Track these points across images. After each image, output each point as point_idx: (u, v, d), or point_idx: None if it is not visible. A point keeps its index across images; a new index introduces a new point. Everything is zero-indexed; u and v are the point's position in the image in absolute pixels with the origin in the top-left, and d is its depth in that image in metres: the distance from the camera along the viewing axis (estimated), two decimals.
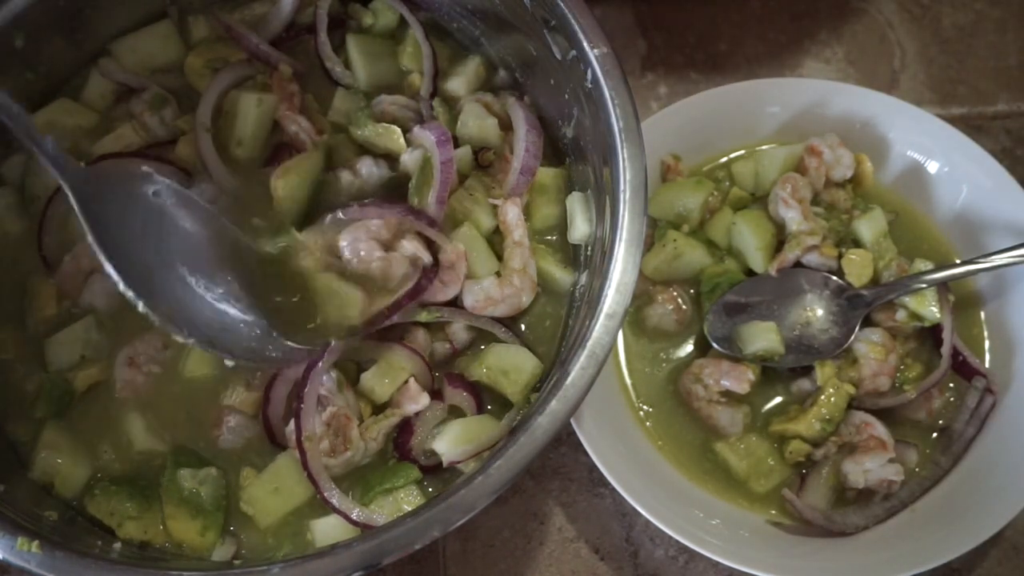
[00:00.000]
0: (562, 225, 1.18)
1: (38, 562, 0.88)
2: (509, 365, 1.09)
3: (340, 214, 1.09)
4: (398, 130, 1.17)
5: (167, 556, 1.03)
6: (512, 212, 1.13)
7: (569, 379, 0.93)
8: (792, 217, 1.24)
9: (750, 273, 1.27)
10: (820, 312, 1.24)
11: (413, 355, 1.09)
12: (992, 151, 1.31)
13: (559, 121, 1.18)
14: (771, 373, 1.23)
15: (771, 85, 1.35)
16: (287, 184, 1.12)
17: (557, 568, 1.22)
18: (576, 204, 1.15)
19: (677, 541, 1.13)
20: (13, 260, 1.15)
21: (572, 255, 1.18)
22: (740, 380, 1.19)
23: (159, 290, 0.98)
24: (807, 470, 1.20)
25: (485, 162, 1.19)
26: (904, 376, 1.23)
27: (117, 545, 0.99)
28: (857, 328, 1.22)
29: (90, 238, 0.95)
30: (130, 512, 1.03)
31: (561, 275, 1.16)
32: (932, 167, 1.33)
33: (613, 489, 1.14)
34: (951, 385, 1.24)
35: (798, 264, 1.25)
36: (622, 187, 0.99)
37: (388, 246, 1.10)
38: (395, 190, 1.16)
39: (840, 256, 1.24)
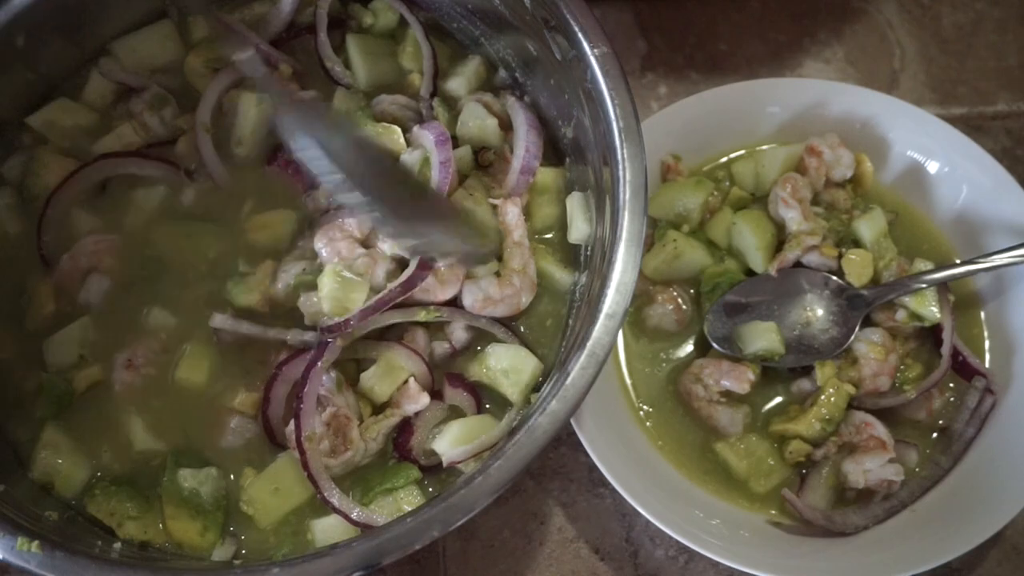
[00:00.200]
0: (562, 225, 1.18)
1: (38, 562, 0.88)
2: (509, 365, 1.08)
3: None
4: (398, 129, 1.17)
5: (167, 556, 1.03)
6: (512, 212, 1.13)
7: (569, 379, 0.93)
8: (792, 217, 1.24)
9: (750, 273, 1.27)
10: (820, 312, 1.24)
11: (413, 355, 1.09)
12: (992, 151, 1.31)
13: (559, 121, 1.18)
14: (771, 373, 1.23)
15: (771, 85, 1.35)
16: (264, 237, 1.16)
17: (557, 568, 1.22)
18: (576, 204, 1.15)
19: (677, 541, 1.13)
20: (11, 259, 1.15)
21: (572, 255, 1.18)
22: (740, 380, 1.19)
23: None
24: (807, 470, 1.20)
25: (485, 162, 1.19)
26: (904, 376, 1.23)
27: (117, 545, 0.99)
28: (857, 328, 1.22)
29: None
30: (130, 512, 1.03)
31: (561, 275, 1.16)
32: (932, 167, 1.33)
33: (613, 489, 1.14)
34: (951, 385, 1.24)
35: (798, 264, 1.25)
36: (622, 187, 0.99)
37: (367, 244, 1.10)
38: None
39: (840, 256, 1.24)
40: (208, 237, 1.16)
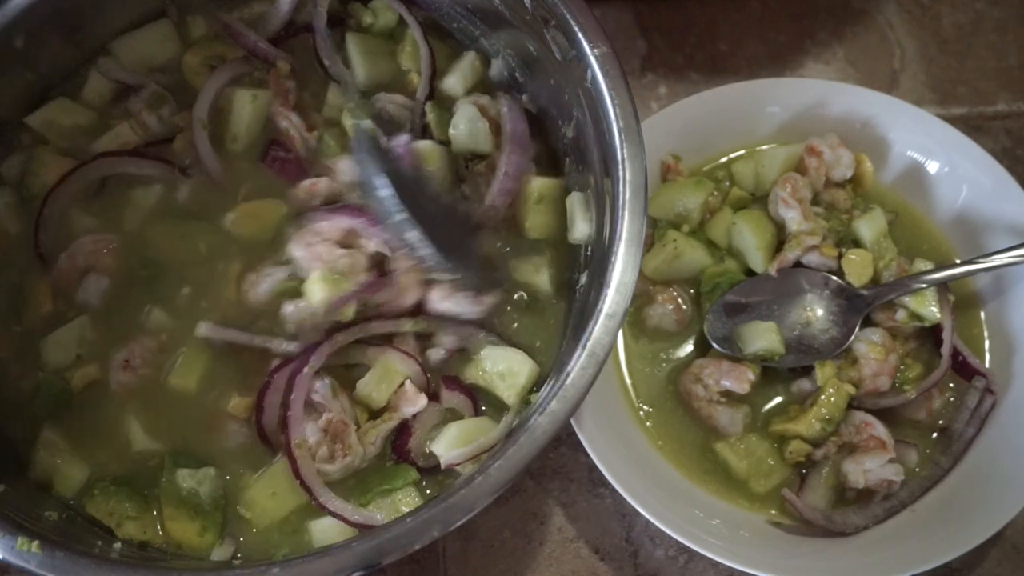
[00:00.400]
0: (562, 230, 1.18)
1: (38, 562, 0.88)
2: (505, 368, 1.08)
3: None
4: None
5: (167, 556, 1.03)
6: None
7: (569, 379, 0.93)
8: (792, 217, 1.24)
9: (750, 273, 1.27)
10: (820, 312, 1.24)
11: (406, 358, 1.09)
12: (992, 151, 1.31)
13: (559, 121, 1.17)
14: (771, 373, 1.23)
15: (771, 85, 1.35)
16: (253, 228, 1.16)
17: (557, 568, 1.22)
18: (576, 204, 1.15)
19: (677, 541, 1.13)
20: (9, 259, 1.15)
21: (572, 255, 1.18)
22: (740, 380, 1.19)
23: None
24: (807, 470, 1.20)
25: (479, 173, 1.18)
26: (904, 376, 1.23)
27: (117, 545, 0.99)
28: (857, 328, 1.22)
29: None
30: (129, 512, 1.03)
31: (560, 275, 1.16)
32: (932, 167, 1.33)
33: (613, 489, 1.14)
34: (951, 385, 1.24)
35: (798, 264, 1.25)
36: (622, 187, 0.99)
37: (347, 245, 1.11)
38: None
39: (840, 256, 1.24)
40: (203, 235, 1.16)
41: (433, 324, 1.11)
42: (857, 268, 1.23)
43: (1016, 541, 1.23)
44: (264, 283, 1.11)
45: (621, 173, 1.00)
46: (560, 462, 1.26)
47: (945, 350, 1.21)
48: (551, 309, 1.16)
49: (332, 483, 1.04)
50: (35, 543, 0.88)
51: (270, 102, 1.20)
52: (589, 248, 1.13)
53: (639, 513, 1.13)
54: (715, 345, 1.22)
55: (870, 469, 1.15)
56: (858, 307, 1.22)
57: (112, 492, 1.03)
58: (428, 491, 1.07)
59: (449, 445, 1.04)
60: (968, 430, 1.21)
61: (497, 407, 1.10)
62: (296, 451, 1.02)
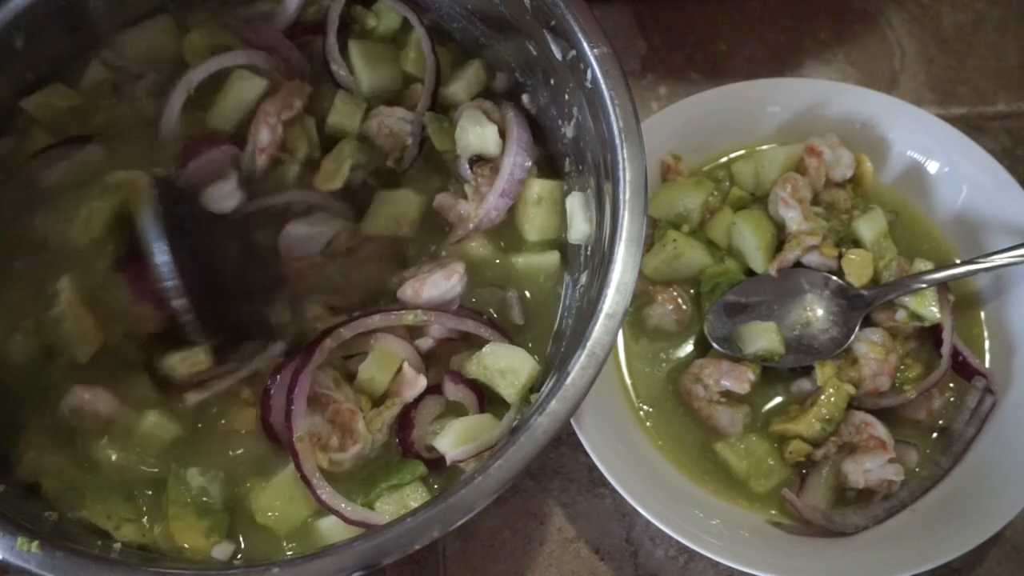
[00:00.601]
0: (561, 230, 1.18)
1: (38, 562, 0.87)
2: (507, 366, 1.08)
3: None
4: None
5: (167, 556, 1.03)
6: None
7: (569, 379, 0.93)
8: (792, 217, 1.24)
9: (750, 273, 1.27)
10: (820, 312, 1.24)
11: (400, 340, 1.09)
12: (992, 151, 1.31)
13: (559, 121, 1.17)
14: (771, 373, 1.23)
15: (771, 85, 1.35)
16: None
17: (557, 568, 1.22)
18: (576, 204, 1.15)
19: (677, 541, 1.13)
20: None
21: (572, 255, 1.18)
22: (740, 380, 1.19)
23: None
24: (807, 470, 1.20)
25: (481, 175, 1.18)
26: (904, 376, 1.23)
27: (117, 545, 0.99)
28: (857, 328, 1.22)
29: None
30: (126, 515, 1.02)
31: (559, 275, 1.16)
32: (932, 167, 1.33)
33: (613, 489, 1.14)
34: (951, 385, 1.24)
35: (798, 264, 1.25)
36: (622, 187, 0.99)
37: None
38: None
39: (840, 256, 1.24)
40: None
41: (431, 316, 1.11)
42: (857, 268, 1.23)
43: (1016, 541, 1.23)
44: None
45: (621, 173, 1.00)
46: (560, 462, 1.26)
47: (945, 350, 1.21)
48: (549, 307, 1.16)
49: (343, 476, 1.05)
50: (35, 543, 0.88)
51: (263, 95, 1.18)
52: (589, 248, 1.13)
53: (639, 513, 1.13)
54: (715, 345, 1.23)
55: (870, 469, 1.15)
56: (858, 307, 1.22)
57: (107, 495, 1.02)
58: (435, 486, 1.06)
59: (454, 441, 1.04)
60: (968, 430, 1.21)
61: (498, 404, 1.10)
62: (298, 445, 1.02)
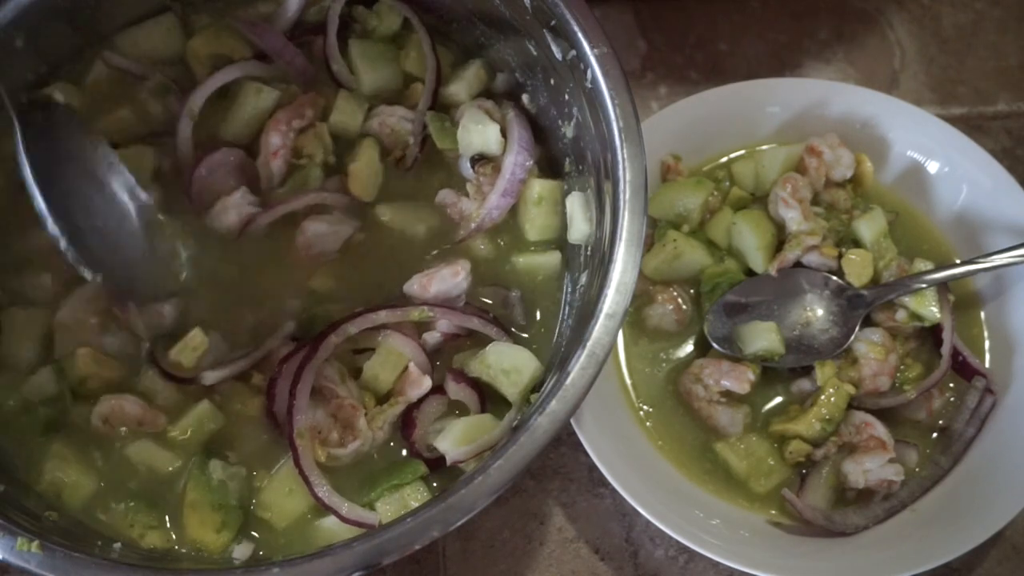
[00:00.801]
0: (561, 230, 1.18)
1: (38, 562, 0.87)
2: (510, 365, 1.08)
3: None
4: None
5: (186, 558, 1.03)
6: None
7: (569, 379, 0.93)
8: (792, 217, 1.24)
9: (750, 273, 1.27)
10: (820, 312, 1.24)
11: (408, 340, 1.10)
12: (992, 151, 1.31)
13: (559, 121, 1.17)
14: (771, 373, 1.23)
15: (771, 85, 1.35)
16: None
17: (557, 568, 1.22)
18: (576, 204, 1.15)
19: (677, 541, 1.13)
20: None
21: (572, 255, 1.18)
22: (740, 380, 1.19)
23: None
24: (807, 470, 1.20)
25: (483, 174, 1.19)
26: (904, 376, 1.23)
27: (117, 545, 0.99)
28: (857, 328, 1.22)
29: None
30: (150, 522, 1.02)
31: (559, 275, 1.16)
32: (932, 167, 1.33)
33: (613, 489, 1.14)
34: (951, 385, 1.24)
35: (798, 264, 1.25)
36: (622, 187, 0.99)
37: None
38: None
39: (840, 256, 1.24)
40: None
41: (437, 312, 1.11)
42: (857, 268, 1.23)
43: (1016, 541, 1.23)
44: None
45: (621, 173, 1.00)
46: (560, 462, 1.26)
47: (945, 350, 1.21)
48: (549, 307, 1.16)
49: (342, 474, 1.05)
50: (35, 543, 0.88)
51: (273, 105, 1.19)
52: (589, 248, 1.13)
53: (639, 513, 1.13)
54: (715, 345, 1.23)
55: (870, 469, 1.15)
56: (858, 307, 1.22)
57: (132, 506, 1.03)
58: (435, 485, 1.07)
59: (455, 442, 1.04)
60: (968, 430, 1.21)
61: (499, 404, 1.10)
62: (298, 440, 1.02)
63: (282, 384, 1.07)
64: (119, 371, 1.09)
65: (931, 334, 1.25)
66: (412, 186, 1.21)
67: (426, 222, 1.19)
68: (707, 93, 1.33)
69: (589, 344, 0.94)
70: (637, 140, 1.01)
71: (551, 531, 1.23)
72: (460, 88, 1.23)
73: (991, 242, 1.28)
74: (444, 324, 1.11)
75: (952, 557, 1.11)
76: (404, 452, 1.09)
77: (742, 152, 1.36)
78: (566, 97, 1.13)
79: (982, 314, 1.29)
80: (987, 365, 1.26)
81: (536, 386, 1.08)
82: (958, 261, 1.29)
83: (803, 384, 1.22)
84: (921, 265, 1.24)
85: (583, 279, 1.13)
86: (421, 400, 1.09)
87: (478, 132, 1.17)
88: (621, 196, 0.99)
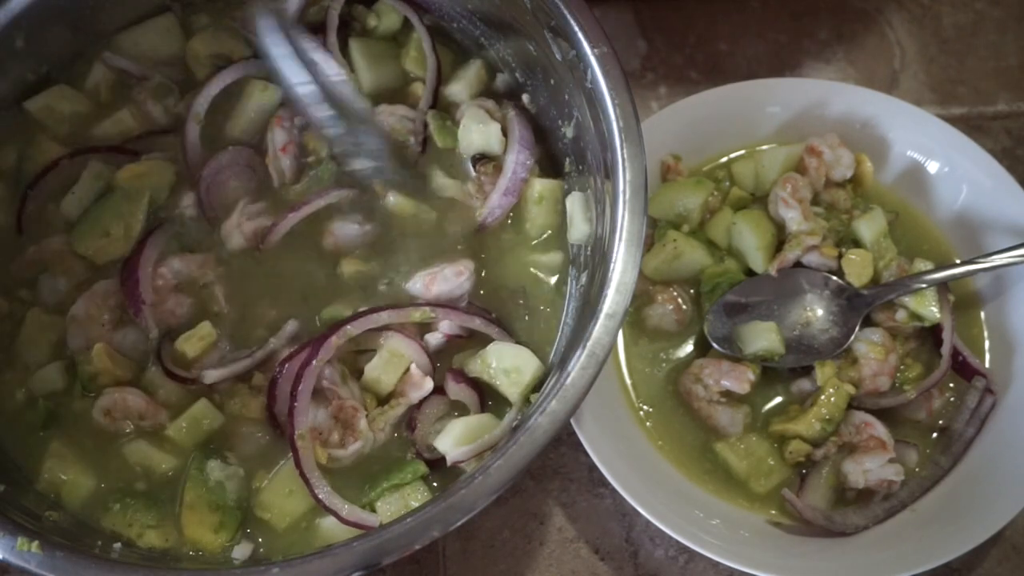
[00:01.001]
0: (560, 229, 1.18)
1: (38, 562, 0.88)
2: (511, 365, 1.09)
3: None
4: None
5: (184, 558, 1.03)
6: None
7: (569, 379, 0.93)
8: (792, 217, 1.24)
9: (750, 273, 1.27)
10: (820, 312, 1.24)
11: (411, 342, 1.10)
12: (992, 151, 1.31)
13: (559, 121, 1.18)
14: (771, 373, 1.23)
15: (771, 85, 1.35)
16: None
17: (557, 568, 1.22)
18: (576, 204, 1.15)
19: (677, 541, 1.13)
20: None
21: (572, 255, 1.18)
22: (740, 380, 1.19)
23: None
24: (807, 470, 1.20)
25: (484, 173, 1.19)
26: (904, 376, 1.23)
27: (117, 545, 0.99)
28: (857, 328, 1.22)
29: None
30: (149, 522, 1.02)
31: (560, 275, 1.16)
32: (932, 167, 1.33)
33: (613, 489, 1.14)
34: (951, 385, 1.24)
35: (798, 264, 1.25)
36: (622, 187, 0.99)
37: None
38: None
39: (840, 256, 1.24)
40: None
41: (439, 313, 1.11)
42: (857, 268, 1.23)
43: (1016, 541, 1.23)
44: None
45: (621, 173, 1.00)
46: (560, 462, 1.26)
47: (945, 350, 1.21)
48: (550, 307, 1.16)
49: (343, 474, 1.05)
50: (35, 543, 0.88)
51: (279, 102, 1.20)
52: (589, 248, 1.13)
53: (639, 513, 1.13)
54: (715, 345, 1.23)
55: (870, 469, 1.15)
56: (858, 307, 1.22)
57: (130, 505, 1.03)
58: (435, 485, 1.07)
59: (455, 442, 1.04)
60: (968, 430, 1.21)
61: (500, 403, 1.10)
62: (298, 442, 1.02)
63: (283, 385, 1.07)
64: (130, 368, 1.09)
65: (931, 334, 1.25)
66: (414, 185, 1.21)
67: (432, 218, 1.19)
68: (707, 93, 1.33)
69: (589, 344, 0.94)
70: (637, 140, 1.01)
71: (551, 531, 1.23)
72: (460, 88, 1.23)
73: (991, 242, 1.28)
74: (446, 325, 1.11)
75: (952, 557, 1.11)
76: (409, 456, 1.08)
77: (742, 152, 1.36)
78: (566, 97, 1.13)
79: (982, 314, 1.29)
80: (987, 365, 1.26)
81: (537, 386, 1.09)
82: (958, 261, 1.29)
83: (803, 384, 1.22)
84: (921, 265, 1.24)
85: (583, 279, 1.13)
86: (422, 401, 1.09)
87: (479, 131, 1.17)
88: (621, 196, 0.99)
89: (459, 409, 1.11)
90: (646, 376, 1.25)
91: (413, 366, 1.09)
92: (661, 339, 1.27)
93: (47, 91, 1.19)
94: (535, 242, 1.19)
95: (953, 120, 1.35)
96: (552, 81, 1.15)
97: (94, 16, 1.20)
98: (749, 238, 1.24)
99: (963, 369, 1.23)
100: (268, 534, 1.05)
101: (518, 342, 1.12)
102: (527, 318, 1.16)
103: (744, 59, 1.51)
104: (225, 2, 1.26)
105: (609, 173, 1.03)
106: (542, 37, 1.11)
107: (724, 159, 1.36)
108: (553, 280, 1.17)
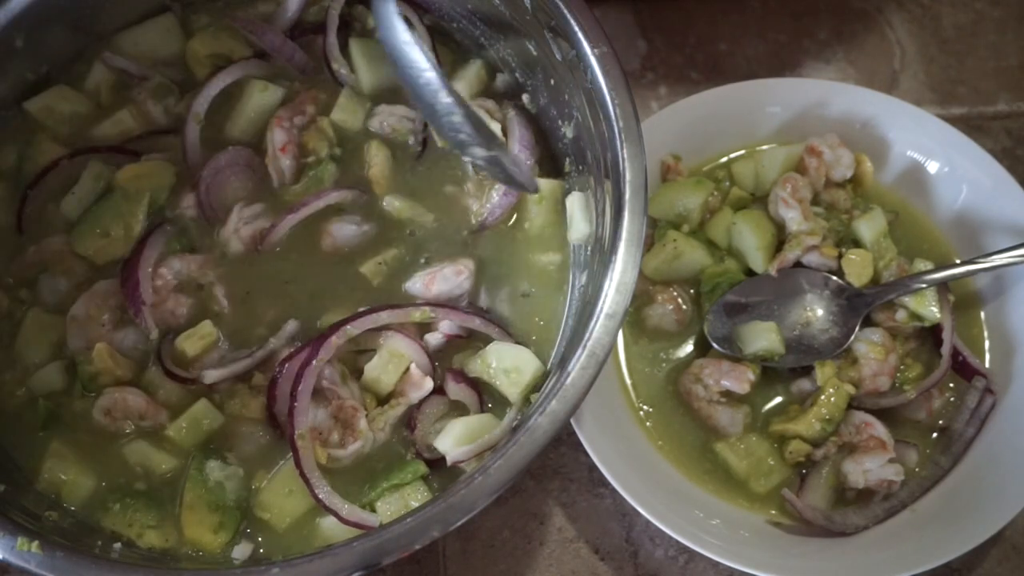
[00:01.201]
0: (560, 229, 1.18)
1: (38, 562, 0.88)
2: (511, 365, 1.09)
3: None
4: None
5: (184, 558, 1.03)
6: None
7: (569, 379, 0.93)
8: (792, 217, 1.24)
9: (750, 273, 1.27)
10: (820, 312, 1.24)
11: (411, 342, 1.10)
12: (992, 151, 1.31)
13: (559, 121, 1.18)
14: (771, 373, 1.23)
15: (771, 85, 1.35)
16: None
17: (557, 568, 1.22)
18: (576, 204, 1.15)
19: (677, 541, 1.13)
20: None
21: (572, 255, 1.18)
22: (740, 380, 1.19)
23: None
24: (807, 470, 1.20)
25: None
26: (904, 376, 1.23)
27: (117, 545, 0.99)
28: (857, 328, 1.22)
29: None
30: (149, 522, 1.02)
31: (560, 275, 1.16)
32: (932, 167, 1.33)
33: (613, 489, 1.14)
34: (951, 385, 1.24)
35: (798, 264, 1.25)
36: (622, 187, 0.99)
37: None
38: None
39: (840, 256, 1.24)
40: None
41: (439, 313, 1.11)
42: (857, 268, 1.23)
43: (1016, 541, 1.23)
44: None
45: (621, 173, 1.00)
46: (560, 462, 1.26)
47: (945, 350, 1.21)
48: (550, 307, 1.16)
49: (343, 474, 1.05)
50: (35, 543, 0.88)
51: (279, 102, 1.20)
52: (589, 248, 1.13)
53: (639, 513, 1.13)
54: (715, 345, 1.23)
55: (870, 469, 1.15)
56: (858, 307, 1.22)
57: (130, 505, 1.03)
58: (435, 485, 1.07)
59: (455, 442, 1.04)
60: (968, 430, 1.21)
61: (500, 403, 1.10)
62: (299, 442, 1.02)
63: (283, 385, 1.07)
64: (131, 368, 1.09)
65: (931, 334, 1.25)
66: (414, 184, 1.21)
67: (429, 220, 1.19)
68: (707, 93, 1.33)
69: (589, 344, 0.94)
70: (637, 140, 1.01)
71: (551, 531, 1.23)
72: (460, 88, 1.23)
73: (991, 242, 1.28)
74: (446, 325, 1.11)
75: (952, 557, 1.11)
76: (409, 456, 1.08)
77: (742, 152, 1.36)
78: (566, 97, 1.13)
79: (982, 314, 1.29)
80: (987, 365, 1.26)
81: (537, 386, 1.09)
82: (958, 261, 1.29)
83: (803, 384, 1.22)
84: (921, 265, 1.24)
85: (583, 279, 1.13)
86: (422, 400, 1.09)
87: None
88: (621, 196, 0.99)
89: (459, 409, 1.10)
90: (646, 376, 1.25)
91: (413, 366, 1.09)
92: (661, 339, 1.27)
93: (47, 91, 1.19)
94: (535, 241, 1.19)
95: (953, 120, 1.35)
96: (552, 81, 1.15)
97: (94, 16, 1.20)
98: (749, 238, 1.24)
99: (963, 369, 1.23)
100: (268, 534, 1.05)
101: (518, 342, 1.13)
102: (527, 318, 1.15)
103: (744, 59, 1.51)
104: (225, 2, 1.26)
105: (609, 173, 1.03)
106: (542, 37, 1.11)
107: (724, 159, 1.36)
108: (553, 280, 1.17)
